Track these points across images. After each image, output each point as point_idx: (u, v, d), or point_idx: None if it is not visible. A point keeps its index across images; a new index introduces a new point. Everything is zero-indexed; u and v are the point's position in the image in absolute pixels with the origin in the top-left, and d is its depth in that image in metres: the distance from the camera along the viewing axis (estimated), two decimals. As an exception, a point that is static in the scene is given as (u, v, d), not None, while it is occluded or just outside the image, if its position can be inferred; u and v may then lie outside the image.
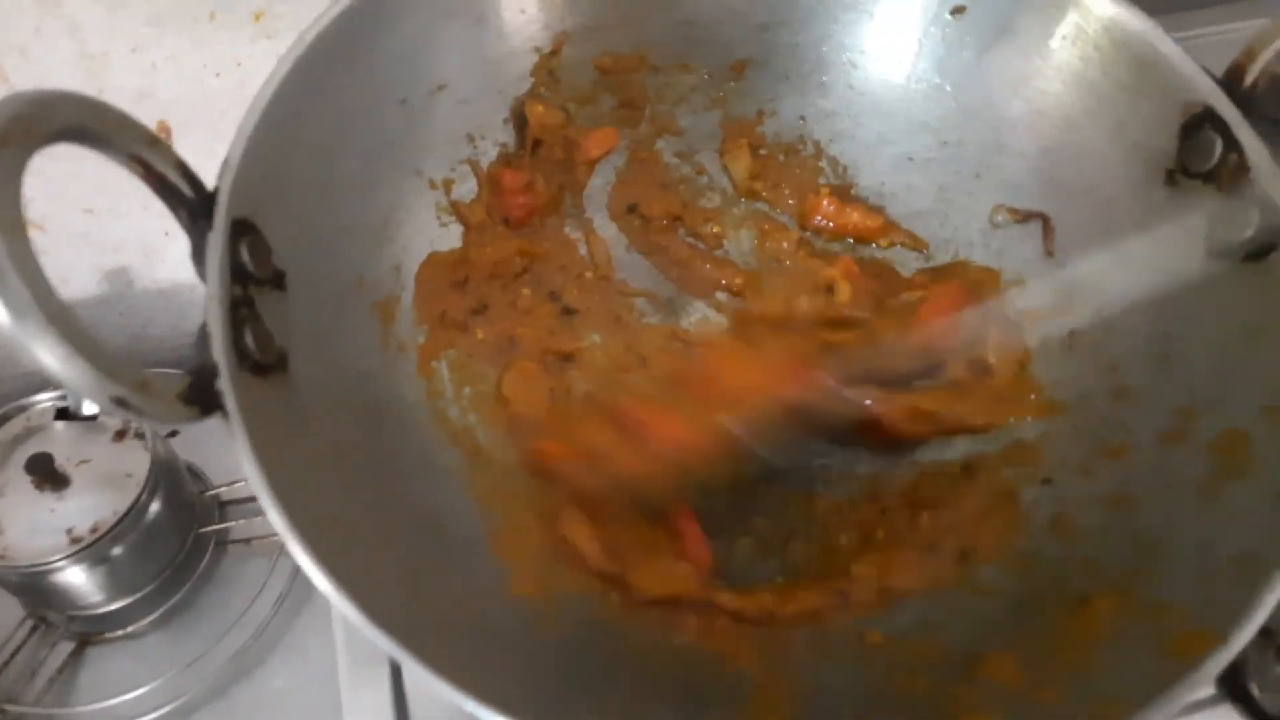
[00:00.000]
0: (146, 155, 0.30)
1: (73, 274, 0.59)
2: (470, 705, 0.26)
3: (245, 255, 0.32)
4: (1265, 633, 0.41)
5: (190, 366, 0.29)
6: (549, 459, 0.39)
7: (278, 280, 0.33)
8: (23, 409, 0.55)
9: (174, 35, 0.48)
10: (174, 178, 0.31)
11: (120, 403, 0.25)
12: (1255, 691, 0.41)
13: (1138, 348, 0.38)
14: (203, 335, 0.29)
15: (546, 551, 0.37)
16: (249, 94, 0.52)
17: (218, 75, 0.50)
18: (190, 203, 0.31)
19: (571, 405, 0.41)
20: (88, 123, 0.28)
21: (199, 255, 0.31)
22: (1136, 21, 0.39)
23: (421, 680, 0.41)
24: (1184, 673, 0.26)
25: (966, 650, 0.33)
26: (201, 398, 0.28)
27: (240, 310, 0.30)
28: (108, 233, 0.56)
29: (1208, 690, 0.42)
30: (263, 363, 0.31)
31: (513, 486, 0.38)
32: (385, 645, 0.26)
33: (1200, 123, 0.37)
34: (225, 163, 0.32)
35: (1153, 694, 0.26)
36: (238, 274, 0.31)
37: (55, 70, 0.47)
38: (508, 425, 0.40)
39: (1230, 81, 0.37)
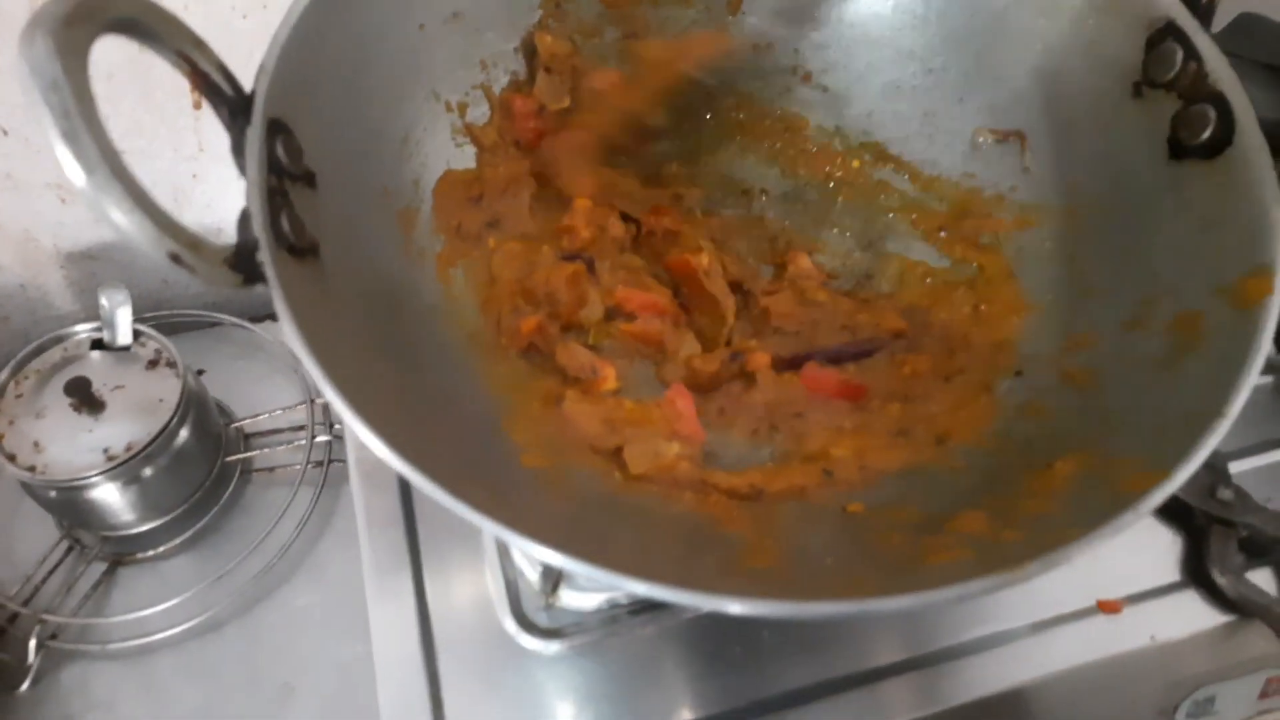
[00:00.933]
0: (192, 54, 0.33)
1: (106, 214, 0.62)
2: (501, 531, 0.28)
3: (280, 151, 0.34)
4: (1226, 523, 0.45)
5: (236, 240, 0.32)
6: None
7: (309, 179, 0.36)
8: (60, 340, 0.59)
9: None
10: (216, 77, 0.34)
11: (175, 258, 0.28)
12: (1217, 577, 0.44)
13: (1104, 248, 0.41)
14: (244, 217, 0.32)
15: (552, 432, 0.40)
16: (262, 12, 0.55)
17: (245, 17, 0.53)
18: (231, 101, 0.34)
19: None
20: (142, 17, 0.31)
21: (238, 148, 0.34)
22: (1103, -57, 0.42)
23: (441, 581, 0.45)
24: (1130, 502, 0.29)
25: (939, 512, 0.35)
26: (245, 265, 0.31)
27: (276, 198, 0.33)
28: (139, 174, 0.59)
29: (1173, 576, 0.45)
30: (297, 246, 0.33)
31: (520, 377, 0.42)
32: (409, 473, 0.28)
33: (1163, 36, 0.40)
34: (261, 67, 0.35)
35: (1102, 519, 0.29)
36: (273, 167, 0.34)
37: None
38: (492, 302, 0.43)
39: (1189, -4, 0.40)
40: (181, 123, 0.57)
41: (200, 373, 0.66)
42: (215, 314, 0.69)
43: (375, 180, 0.41)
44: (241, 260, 0.31)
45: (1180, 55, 0.39)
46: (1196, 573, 0.44)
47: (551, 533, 0.28)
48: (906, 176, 0.49)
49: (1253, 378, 0.31)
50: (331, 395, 0.29)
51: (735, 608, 0.27)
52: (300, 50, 0.36)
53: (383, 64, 0.41)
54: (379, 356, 0.35)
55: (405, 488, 0.49)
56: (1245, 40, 0.62)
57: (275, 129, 0.34)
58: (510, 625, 0.43)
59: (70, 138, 0.26)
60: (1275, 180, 0.35)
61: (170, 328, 0.63)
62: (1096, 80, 0.43)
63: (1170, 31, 0.40)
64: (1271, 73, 0.63)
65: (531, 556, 0.29)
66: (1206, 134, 0.38)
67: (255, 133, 0.33)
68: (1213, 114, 0.38)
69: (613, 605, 0.44)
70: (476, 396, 0.39)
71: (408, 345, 0.38)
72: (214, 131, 0.59)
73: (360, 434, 0.29)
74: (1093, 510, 0.30)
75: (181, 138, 0.58)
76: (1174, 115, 0.40)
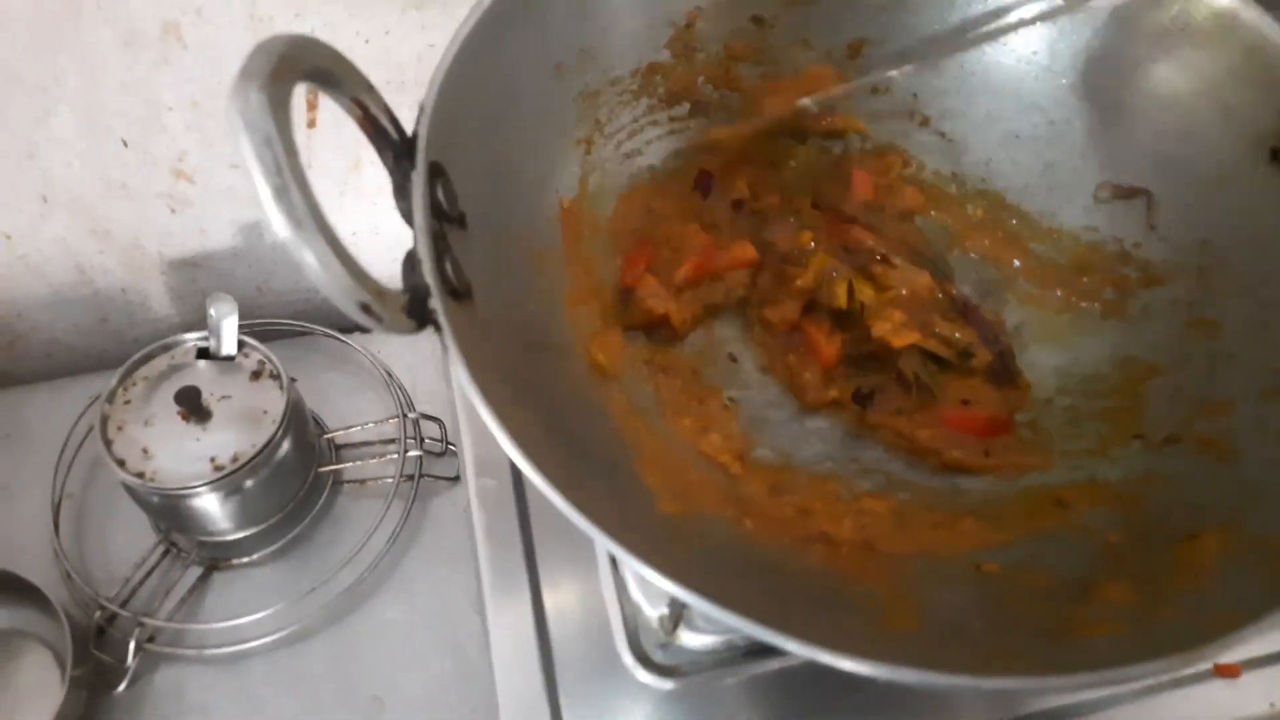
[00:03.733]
0: (365, 99, 0.33)
1: (213, 225, 0.63)
2: (631, 560, 0.28)
3: (440, 195, 0.35)
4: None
5: (405, 287, 0.33)
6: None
7: (462, 221, 0.37)
8: (167, 348, 0.60)
9: (333, 4, 0.51)
10: (384, 121, 0.34)
11: (365, 309, 0.29)
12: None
13: (1239, 311, 0.41)
14: (411, 261, 0.33)
15: (683, 479, 0.40)
16: (394, 60, 0.56)
17: (367, 42, 0.54)
18: (395, 145, 0.35)
19: None
20: (330, 66, 0.31)
21: (401, 192, 0.35)
22: (1247, 9, 0.42)
23: (558, 600, 0.46)
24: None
25: (1080, 578, 0.35)
26: (418, 312, 0.31)
27: (439, 242, 0.34)
28: (248, 187, 0.60)
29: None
30: (457, 289, 0.34)
31: (650, 421, 0.42)
32: (581, 523, 0.29)
33: (1307, 105, 0.40)
34: (421, 109, 0.36)
35: (1264, 608, 0.29)
36: (436, 211, 0.34)
37: (225, 30, 0.51)
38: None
39: (1337, 67, 0.40)
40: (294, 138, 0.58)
41: (293, 381, 0.67)
42: (307, 324, 0.70)
43: (515, 220, 0.41)
44: (415, 307, 0.32)
45: (1325, 125, 0.39)
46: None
47: (688, 573, 0.29)
48: (1025, 226, 0.49)
49: None
50: (505, 442, 0.30)
51: (907, 676, 0.27)
52: (454, 90, 0.37)
53: (524, 104, 0.42)
54: (526, 397, 0.36)
55: (523, 512, 0.50)
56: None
57: (435, 172, 0.35)
58: (628, 658, 0.44)
59: (281, 194, 0.27)
60: None
61: (262, 335, 0.64)
62: (1229, 143, 0.43)
63: (1315, 100, 0.40)
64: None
65: (681, 602, 0.30)
66: (1352, 210, 0.38)
67: (420, 177, 0.34)
68: (1359, 191, 0.38)
69: (728, 646, 0.45)
70: (609, 439, 0.40)
71: (546, 385, 0.39)
72: (323, 149, 0.60)
73: (534, 479, 0.30)
74: (1252, 590, 0.30)
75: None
76: (1316, 187, 0.40)
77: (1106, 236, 0.47)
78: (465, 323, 0.33)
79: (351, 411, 0.68)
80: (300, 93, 0.34)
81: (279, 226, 0.27)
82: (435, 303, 0.32)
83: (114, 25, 0.51)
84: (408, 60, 0.57)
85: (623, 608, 0.45)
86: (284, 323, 0.69)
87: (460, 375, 0.31)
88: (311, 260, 0.27)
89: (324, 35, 0.53)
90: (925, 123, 0.51)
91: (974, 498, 0.42)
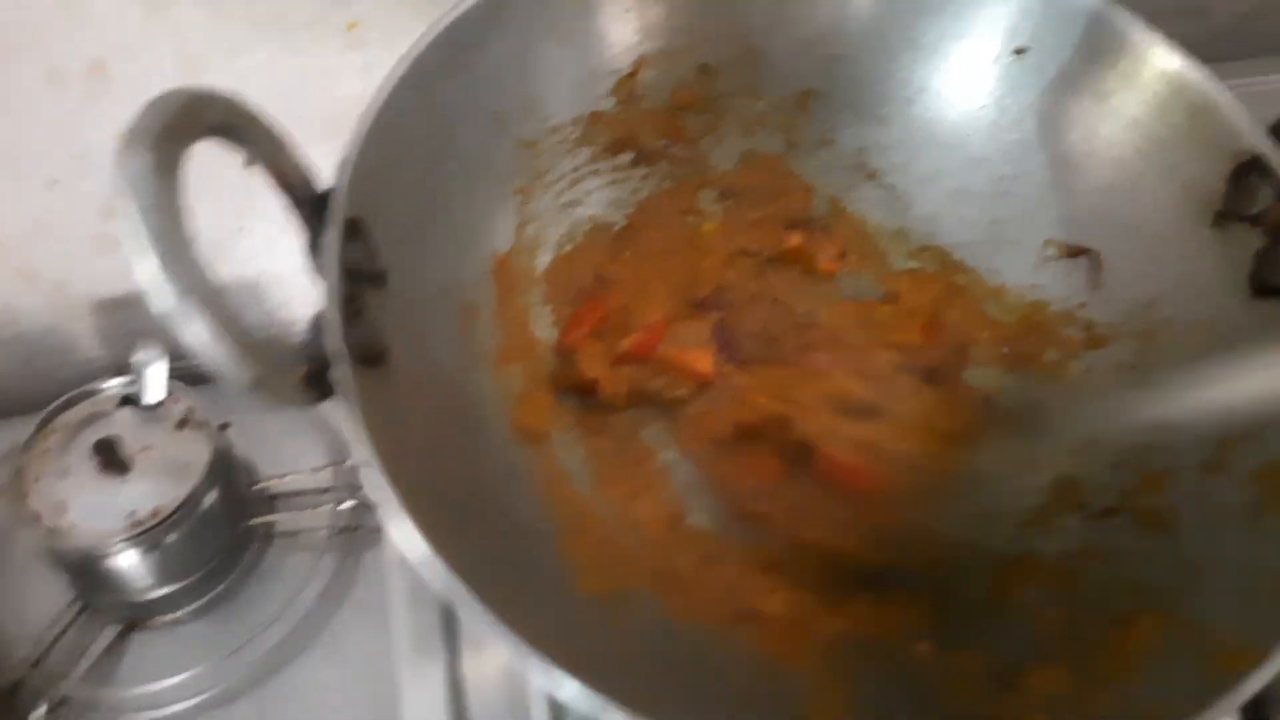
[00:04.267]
0: (275, 154, 0.32)
1: (142, 266, 0.61)
2: (543, 671, 0.27)
3: (356, 253, 0.33)
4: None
5: (306, 355, 0.31)
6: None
7: (381, 279, 0.35)
8: (89, 394, 0.57)
9: (270, 41, 0.50)
10: (295, 176, 0.33)
11: (257, 383, 0.27)
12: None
13: (1181, 377, 0.40)
14: (317, 326, 0.31)
15: (608, 553, 0.38)
16: (335, 98, 0.55)
17: (306, 77, 0.53)
18: (309, 200, 0.33)
19: None
20: (234, 121, 0.30)
21: (314, 249, 0.33)
22: (1192, 70, 0.41)
23: (477, 667, 0.44)
24: (1227, 687, 0.28)
25: (1013, 661, 0.34)
26: (318, 382, 0.30)
27: (351, 304, 0.32)
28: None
29: None
30: (369, 355, 0.32)
31: (578, 487, 0.40)
32: (474, 610, 0.27)
33: (1249, 169, 0.40)
34: (342, 162, 0.34)
35: (1197, 707, 0.28)
36: (349, 270, 0.33)
37: (155, 68, 0.49)
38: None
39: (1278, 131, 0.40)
40: (232, 178, 0.56)
41: (225, 426, 0.64)
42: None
43: (442, 275, 0.40)
44: (315, 377, 0.30)
45: (1267, 192, 0.39)
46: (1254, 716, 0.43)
47: (601, 673, 0.27)
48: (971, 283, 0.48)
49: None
50: (407, 525, 0.28)
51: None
52: (381, 141, 0.36)
53: (458, 152, 0.41)
54: (440, 468, 0.34)
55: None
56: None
57: (353, 228, 0.33)
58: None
59: (165, 261, 0.25)
60: (1372, 333, 0.35)
61: (196, 378, 0.61)
62: (1173, 204, 0.42)
63: (1256, 167, 0.39)
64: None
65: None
66: (1293, 276, 0.38)
67: (334, 235, 0.32)
68: (1301, 258, 0.37)
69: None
70: (533, 507, 0.38)
71: (469, 450, 0.37)
72: (264, 187, 0.58)
73: (437, 570, 0.28)
74: (1182, 684, 0.29)
75: (233, 192, 0.57)
76: (1257, 252, 0.39)
77: (1052, 295, 0.46)
78: (376, 391, 0.31)
79: (288, 459, 0.65)
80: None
81: (156, 299, 0.25)
82: (341, 372, 0.30)
83: (37, 63, 0.49)
84: (350, 99, 0.54)
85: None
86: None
87: (364, 453, 0.29)
88: (192, 336, 0.26)
89: (259, 74, 0.52)
90: (871, 176, 0.50)
91: (915, 571, 0.40)
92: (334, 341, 0.30)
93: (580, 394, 0.43)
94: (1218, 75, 0.42)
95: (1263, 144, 0.39)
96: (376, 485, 0.29)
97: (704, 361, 0.44)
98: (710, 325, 0.45)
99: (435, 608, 0.47)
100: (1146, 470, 0.39)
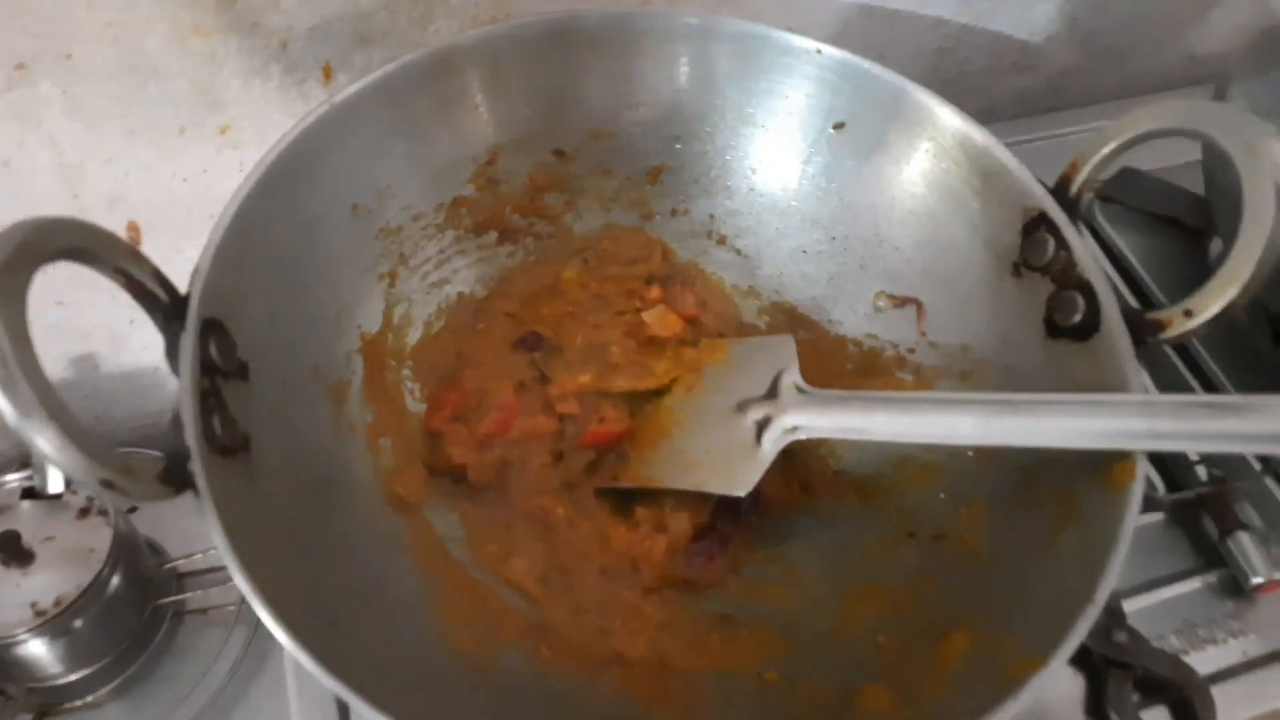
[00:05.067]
0: (129, 267, 0.35)
1: (44, 360, 0.62)
2: None
3: (213, 351, 0.36)
4: (1122, 665, 0.47)
5: (165, 450, 0.33)
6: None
7: (242, 371, 0.38)
8: (-11, 490, 0.58)
9: (145, 147, 0.53)
10: (151, 285, 0.36)
11: (107, 484, 0.30)
12: (1115, 719, 0.46)
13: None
14: (176, 422, 0.34)
15: (481, 612, 0.41)
16: (215, 196, 0.58)
17: (185, 180, 0.55)
18: (165, 306, 0.36)
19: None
20: (82, 243, 0.33)
21: (172, 352, 0.36)
22: (982, 136, 0.46)
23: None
24: (1010, 692, 0.31)
25: (848, 684, 0.37)
26: (175, 477, 0.32)
27: (209, 399, 0.35)
28: (77, 322, 0.60)
29: (1077, 718, 0.48)
30: (229, 445, 0.35)
31: (452, 550, 0.43)
32: (337, 690, 0.30)
33: (1037, 225, 0.44)
34: (195, 270, 0.37)
35: (985, 709, 0.31)
36: (206, 368, 0.35)
37: (35, 178, 0.51)
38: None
39: (1059, 189, 0.44)
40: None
41: (132, 510, 0.65)
42: (147, 450, 0.69)
43: (308, 360, 0.43)
44: (172, 472, 0.32)
45: (1052, 244, 0.43)
46: (1098, 715, 0.46)
47: None
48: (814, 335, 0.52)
49: (1119, 563, 0.34)
50: (266, 617, 0.31)
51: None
52: (236, 245, 0.38)
53: (319, 247, 0.44)
54: (308, 547, 0.37)
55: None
56: (1128, 191, 0.68)
57: (209, 328, 0.36)
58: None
59: (7, 384, 0.28)
60: (1139, 368, 0.39)
61: (104, 464, 0.63)
62: (980, 256, 0.47)
63: (1042, 221, 0.44)
64: (1151, 219, 0.69)
65: None
66: (1077, 318, 0.42)
67: (189, 338, 0.35)
68: (1081, 301, 0.42)
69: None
70: (403, 576, 0.41)
71: (336, 526, 0.40)
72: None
73: (291, 650, 0.30)
74: (981, 695, 0.33)
75: (118, 286, 0.60)
76: (1049, 297, 0.44)
77: (885, 343, 0.50)
78: (234, 480, 0.34)
79: (196, 538, 0.67)
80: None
81: (7, 414, 0.28)
82: (195, 465, 0.33)
83: (-84, 180, 0.51)
84: (229, 195, 0.58)
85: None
86: (142, 454, 0.68)
87: (218, 542, 0.32)
88: (43, 446, 0.28)
89: (138, 178, 0.54)
90: (722, 241, 0.54)
91: (767, 608, 0.44)
92: (189, 436, 0.33)
93: (451, 477, 0.46)
94: (1012, 131, 0.46)
95: (1046, 201, 0.44)
96: (235, 575, 0.31)
97: (547, 422, 0.47)
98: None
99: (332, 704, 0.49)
100: (966, 499, 0.43)
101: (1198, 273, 0.55)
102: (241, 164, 0.56)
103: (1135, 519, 0.35)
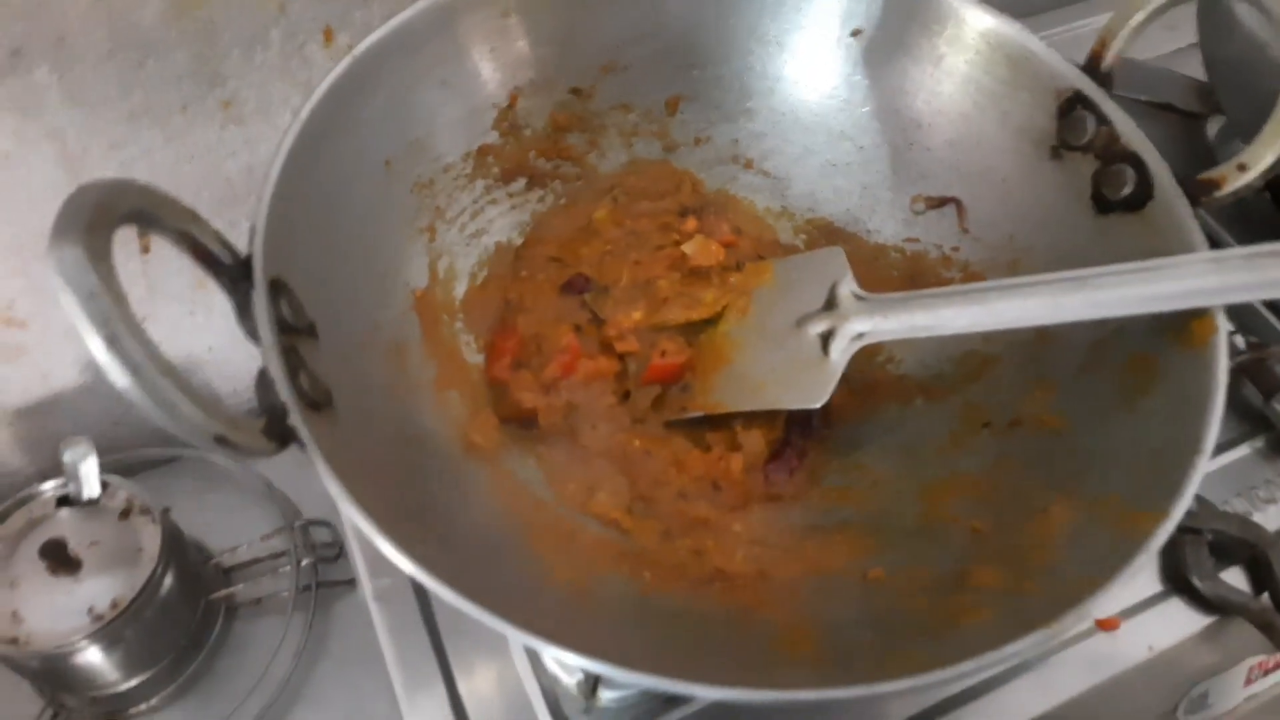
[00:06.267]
0: (191, 230, 0.33)
1: (56, 367, 0.61)
2: (544, 647, 0.29)
3: (284, 309, 0.35)
4: (1193, 530, 0.48)
5: (260, 409, 0.32)
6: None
7: (311, 330, 0.37)
8: (23, 502, 0.56)
9: (149, 130, 0.51)
10: (214, 247, 0.34)
11: (220, 440, 0.29)
12: (1196, 583, 0.48)
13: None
14: (263, 380, 0.33)
15: (576, 546, 0.41)
16: (222, 175, 0.56)
17: (191, 161, 0.53)
18: (229, 268, 0.35)
19: None
20: (147, 206, 0.31)
21: (244, 312, 0.35)
22: (1006, 26, 0.46)
23: (474, 685, 0.45)
24: (1138, 543, 0.32)
25: (955, 569, 0.38)
26: (278, 431, 0.31)
27: (290, 356, 0.34)
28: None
29: (1157, 587, 0.49)
30: (316, 400, 0.34)
31: (536, 492, 0.43)
32: (479, 614, 0.29)
33: (1072, 105, 0.45)
34: (253, 229, 0.36)
35: (1116, 564, 0.32)
36: (281, 325, 0.35)
37: (38, 171, 0.49)
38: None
39: (1091, 66, 0.45)
40: (132, 267, 0.57)
41: (166, 511, 0.64)
42: (172, 449, 0.67)
43: (367, 319, 0.42)
44: (274, 427, 0.32)
45: (1091, 121, 0.44)
46: (1177, 581, 0.47)
47: (596, 643, 0.30)
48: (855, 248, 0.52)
49: (1219, 410, 0.35)
50: (388, 549, 0.30)
51: (805, 698, 0.29)
52: (284, 205, 0.37)
53: (359, 205, 0.43)
54: (400, 498, 0.36)
55: (425, 604, 0.49)
56: (1123, 81, 0.68)
57: (276, 288, 0.35)
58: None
59: (113, 344, 0.26)
60: (1199, 227, 0.40)
61: (127, 469, 0.61)
62: (1015, 146, 0.47)
63: (1078, 100, 0.44)
64: (1144, 107, 0.70)
65: (574, 666, 0.31)
66: (1127, 190, 0.42)
67: (261, 296, 0.34)
68: (1130, 172, 0.42)
69: (649, 698, 0.45)
70: (497, 518, 0.40)
71: (424, 476, 0.39)
72: (163, 273, 0.59)
73: (425, 581, 0.30)
74: (1097, 553, 0.33)
75: (132, 281, 0.58)
76: (1094, 174, 0.44)
77: (928, 245, 0.50)
78: (329, 433, 0.33)
79: (236, 530, 0.65)
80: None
81: (116, 377, 0.27)
82: (294, 419, 0.32)
83: (-84, 178, 0.49)
84: (236, 174, 0.56)
85: (540, 681, 0.45)
86: (149, 451, 0.66)
87: (333, 489, 0.31)
88: (154, 405, 0.27)
89: (143, 162, 0.53)
90: (749, 165, 0.54)
91: (853, 510, 0.44)
92: (282, 392, 0.32)
93: (522, 423, 0.45)
94: (1034, 27, 0.47)
95: (1080, 80, 0.45)
96: (352, 515, 0.31)
97: (607, 363, 0.47)
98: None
99: (423, 636, 0.48)
100: (1037, 381, 0.44)
101: (1198, 155, 0.56)
102: (247, 140, 0.55)
103: (1226, 369, 0.36)
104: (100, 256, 0.27)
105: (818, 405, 0.43)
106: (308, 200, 0.40)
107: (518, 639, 0.29)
